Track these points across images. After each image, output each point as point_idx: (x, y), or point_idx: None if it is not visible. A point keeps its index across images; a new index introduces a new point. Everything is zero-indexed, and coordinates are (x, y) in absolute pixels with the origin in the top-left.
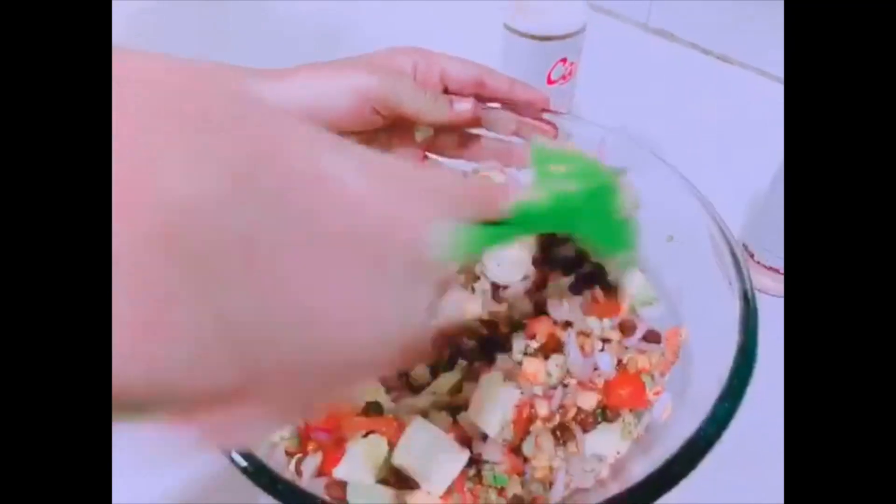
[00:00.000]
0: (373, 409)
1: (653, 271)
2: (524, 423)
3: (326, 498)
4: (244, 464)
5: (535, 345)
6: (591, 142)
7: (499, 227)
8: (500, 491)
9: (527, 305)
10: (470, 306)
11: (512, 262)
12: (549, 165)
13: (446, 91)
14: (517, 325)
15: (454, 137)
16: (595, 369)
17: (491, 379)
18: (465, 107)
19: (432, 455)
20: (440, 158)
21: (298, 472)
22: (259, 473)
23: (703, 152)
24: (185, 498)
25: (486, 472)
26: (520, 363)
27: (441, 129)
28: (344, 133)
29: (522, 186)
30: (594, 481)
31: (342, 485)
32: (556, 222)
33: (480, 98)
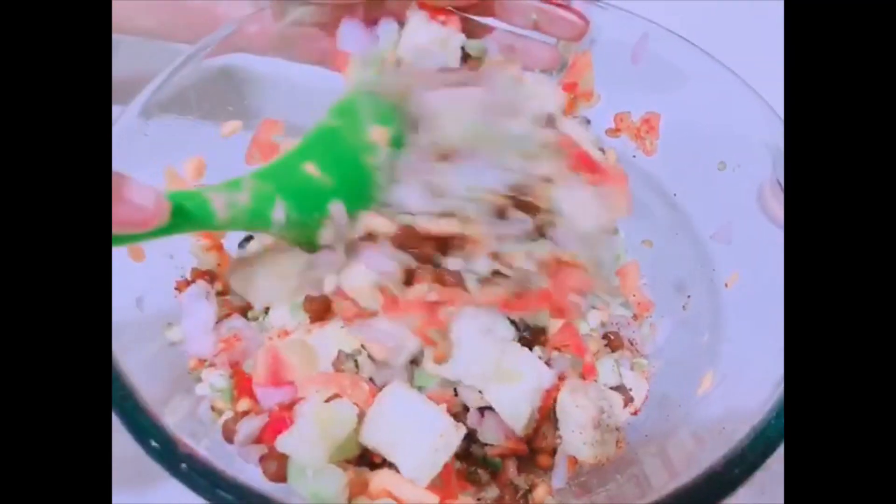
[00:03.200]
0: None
1: (688, 211)
2: (547, 411)
3: (245, 482)
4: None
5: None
6: (629, 39)
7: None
8: (493, 475)
9: None
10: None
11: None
12: None
13: None
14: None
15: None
16: None
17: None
18: None
19: (414, 431)
20: None
21: (227, 436)
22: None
23: None
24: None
25: (476, 450)
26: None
27: (440, 12)
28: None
29: None
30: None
31: (282, 461)
32: None
33: None
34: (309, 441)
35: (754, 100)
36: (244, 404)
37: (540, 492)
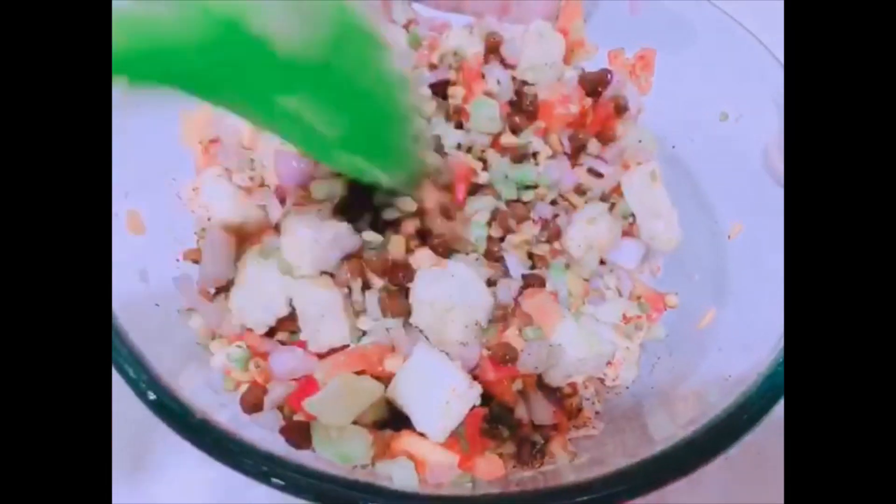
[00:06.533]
0: None
1: (688, 164)
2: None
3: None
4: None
5: None
6: None
7: None
8: (512, 431)
9: None
10: None
11: None
12: None
13: None
14: None
15: None
16: None
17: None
18: None
19: (431, 388)
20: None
21: (247, 406)
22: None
23: None
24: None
25: (497, 409)
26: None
27: None
28: None
29: None
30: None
31: (305, 427)
32: None
33: None
34: (336, 404)
35: (755, 44)
36: (257, 366)
37: (555, 445)
